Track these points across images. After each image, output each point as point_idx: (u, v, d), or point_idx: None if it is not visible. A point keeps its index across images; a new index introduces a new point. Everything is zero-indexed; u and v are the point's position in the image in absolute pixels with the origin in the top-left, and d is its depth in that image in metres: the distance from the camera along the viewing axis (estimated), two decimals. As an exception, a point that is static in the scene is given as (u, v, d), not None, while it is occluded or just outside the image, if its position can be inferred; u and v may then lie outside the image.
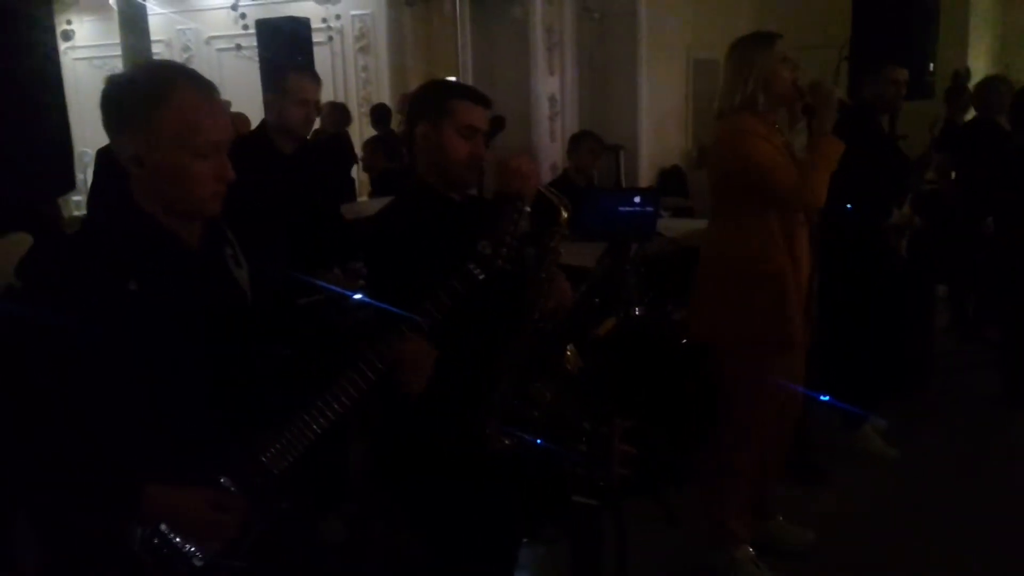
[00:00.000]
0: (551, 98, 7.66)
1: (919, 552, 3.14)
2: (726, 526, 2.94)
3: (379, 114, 7.62)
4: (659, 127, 8.31)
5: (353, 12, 9.64)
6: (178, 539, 1.49)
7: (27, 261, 1.65)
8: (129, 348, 1.47)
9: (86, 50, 10.54)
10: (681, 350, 3.77)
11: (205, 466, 1.55)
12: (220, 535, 1.54)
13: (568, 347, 2.11)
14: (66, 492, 1.48)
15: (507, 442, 2.00)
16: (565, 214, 2.08)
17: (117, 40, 9.20)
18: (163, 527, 1.49)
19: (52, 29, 3.34)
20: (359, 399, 1.66)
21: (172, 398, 1.53)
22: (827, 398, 3.53)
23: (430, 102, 2.16)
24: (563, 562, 2.21)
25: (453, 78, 8.29)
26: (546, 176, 7.30)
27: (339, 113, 7.35)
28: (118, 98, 1.55)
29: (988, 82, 5.50)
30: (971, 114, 5.65)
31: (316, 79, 3.33)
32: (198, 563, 1.51)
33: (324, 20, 9.42)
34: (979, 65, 8.52)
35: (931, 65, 5.37)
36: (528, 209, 2.00)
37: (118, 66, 9.47)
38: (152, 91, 1.52)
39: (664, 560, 3.07)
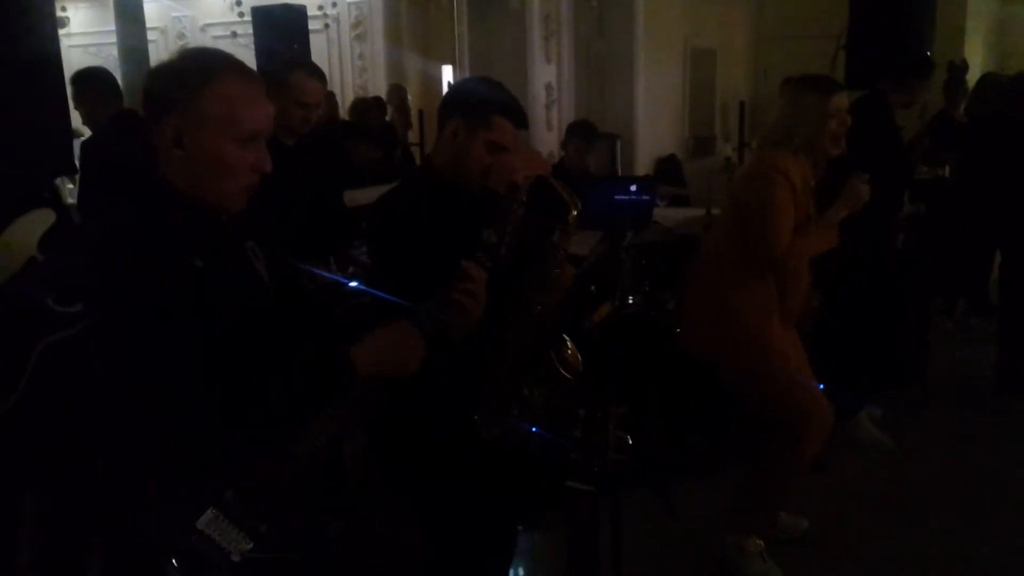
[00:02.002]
0: (548, 87, 7.65)
1: (914, 540, 3.16)
2: (751, 519, 2.95)
3: (357, 109, 7.53)
4: (656, 116, 8.32)
5: (350, 0, 9.62)
6: (216, 536, 1.49)
7: (87, 253, 1.63)
8: (200, 326, 1.46)
9: (81, 37, 10.50)
10: (674, 340, 3.77)
11: (238, 454, 1.54)
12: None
13: (568, 345, 2.11)
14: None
15: (496, 431, 2.00)
16: (575, 212, 2.07)
17: (112, 27, 9.17)
18: (200, 524, 1.49)
19: (52, 10, 3.32)
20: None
21: (229, 381, 1.50)
22: (822, 387, 3.54)
23: (474, 105, 2.12)
24: (560, 550, 2.22)
25: (449, 67, 8.27)
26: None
27: (329, 103, 7.33)
28: (164, 79, 1.55)
29: (991, 79, 5.53)
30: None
31: (323, 80, 3.17)
32: (236, 559, 1.51)
33: (320, 8, 9.38)
34: (975, 56, 8.52)
35: (928, 54, 5.36)
36: (524, 199, 2.00)
37: (113, 53, 9.43)
38: (198, 73, 1.53)
39: (661, 550, 3.08)
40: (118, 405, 1.49)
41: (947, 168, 5.37)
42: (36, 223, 2.22)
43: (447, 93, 2.28)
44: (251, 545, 1.53)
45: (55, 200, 2.41)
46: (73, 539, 2.54)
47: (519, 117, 2.15)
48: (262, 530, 1.54)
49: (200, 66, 1.55)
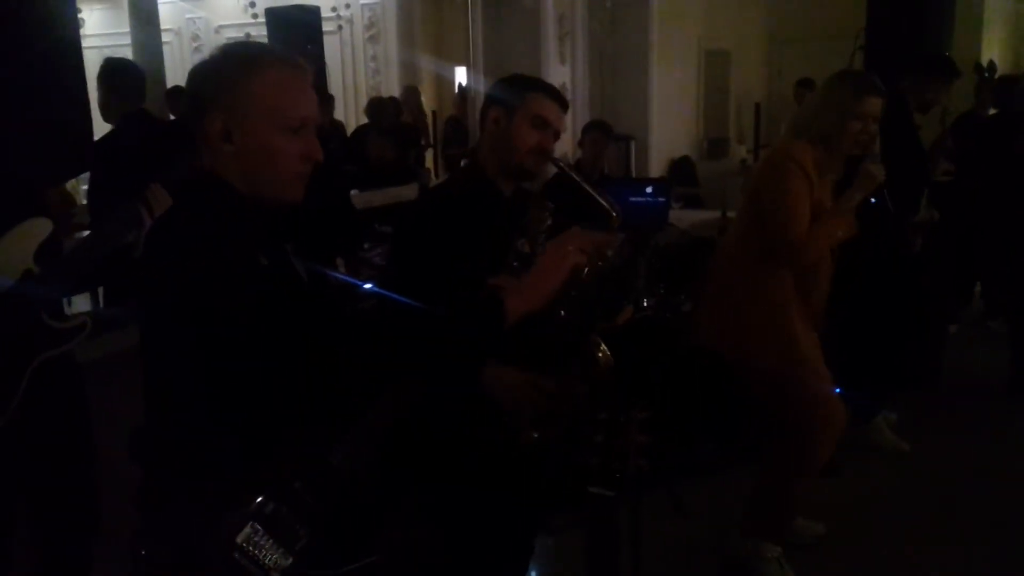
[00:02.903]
0: (562, 87, 7.62)
1: (929, 545, 3.13)
2: (767, 523, 2.93)
3: (373, 108, 7.56)
4: (670, 118, 8.30)
5: (363, 1, 9.64)
6: (257, 551, 1.47)
7: (156, 240, 1.60)
8: (267, 323, 1.43)
9: (96, 39, 10.56)
10: (689, 342, 3.76)
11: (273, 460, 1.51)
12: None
13: (601, 345, 2.10)
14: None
15: (536, 435, 2.00)
16: (615, 217, 2.06)
17: (127, 29, 9.21)
18: (240, 539, 1.44)
19: (74, 7, 3.29)
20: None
21: (281, 386, 1.49)
22: (838, 391, 3.52)
23: (508, 88, 2.20)
24: (574, 552, 2.21)
25: (462, 68, 8.27)
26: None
27: (326, 105, 7.39)
28: (206, 75, 1.53)
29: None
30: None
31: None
32: (285, 562, 1.49)
33: (334, 9, 9.41)
34: (992, 55, 8.46)
35: (946, 55, 5.33)
36: (552, 206, 2.02)
37: (127, 55, 9.49)
38: (243, 64, 1.51)
39: (676, 552, 3.07)
40: (175, 408, 1.47)
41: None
42: (32, 234, 2.18)
43: (487, 91, 2.35)
44: (290, 561, 1.50)
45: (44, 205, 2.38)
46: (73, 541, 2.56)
47: (554, 92, 2.20)
48: (301, 546, 1.51)
49: (243, 58, 1.53)
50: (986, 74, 5.31)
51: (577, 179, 2.08)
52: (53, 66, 2.81)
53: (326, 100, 7.36)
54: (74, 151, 2.93)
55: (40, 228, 2.20)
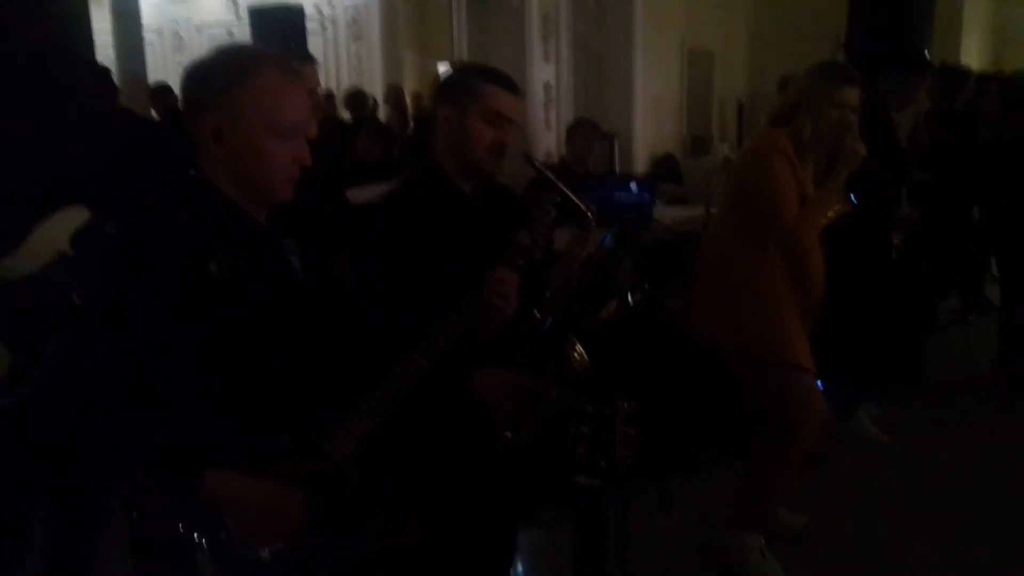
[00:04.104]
0: (546, 85, 7.66)
1: (911, 536, 3.17)
2: (750, 515, 2.96)
3: (356, 100, 7.57)
4: (654, 115, 8.33)
5: (347, 1, 9.62)
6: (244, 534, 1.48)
7: (110, 241, 1.62)
8: (207, 332, 1.46)
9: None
10: (675, 338, 3.79)
11: (269, 453, 1.53)
12: (280, 529, 1.52)
13: (576, 346, 2.11)
14: (136, 470, 1.47)
15: (509, 435, 2.01)
16: (592, 216, 2.07)
17: (109, 26, 9.16)
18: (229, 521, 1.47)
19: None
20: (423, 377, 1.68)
21: (242, 382, 1.51)
22: (821, 384, 3.56)
23: (458, 84, 2.07)
24: (564, 546, 2.23)
25: (446, 66, 8.27)
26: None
27: (328, 103, 7.38)
28: (201, 75, 1.55)
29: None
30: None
31: (314, 62, 3.10)
32: (266, 557, 1.50)
33: (317, 7, 9.39)
34: (971, 58, 8.56)
35: (923, 54, 5.40)
36: (558, 200, 2.00)
37: (109, 53, 9.42)
38: (238, 66, 1.53)
39: (664, 545, 3.09)
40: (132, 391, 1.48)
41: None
42: (69, 220, 2.20)
43: (437, 86, 2.26)
44: (281, 545, 1.51)
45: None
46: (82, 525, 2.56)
47: (506, 81, 2.06)
48: (286, 539, 1.53)
49: (239, 61, 1.55)
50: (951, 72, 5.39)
51: (550, 177, 2.05)
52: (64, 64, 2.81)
53: (328, 98, 7.37)
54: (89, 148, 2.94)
55: (76, 215, 2.22)
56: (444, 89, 2.12)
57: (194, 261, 1.48)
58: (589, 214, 2.06)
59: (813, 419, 2.83)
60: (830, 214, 2.72)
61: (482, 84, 2.02)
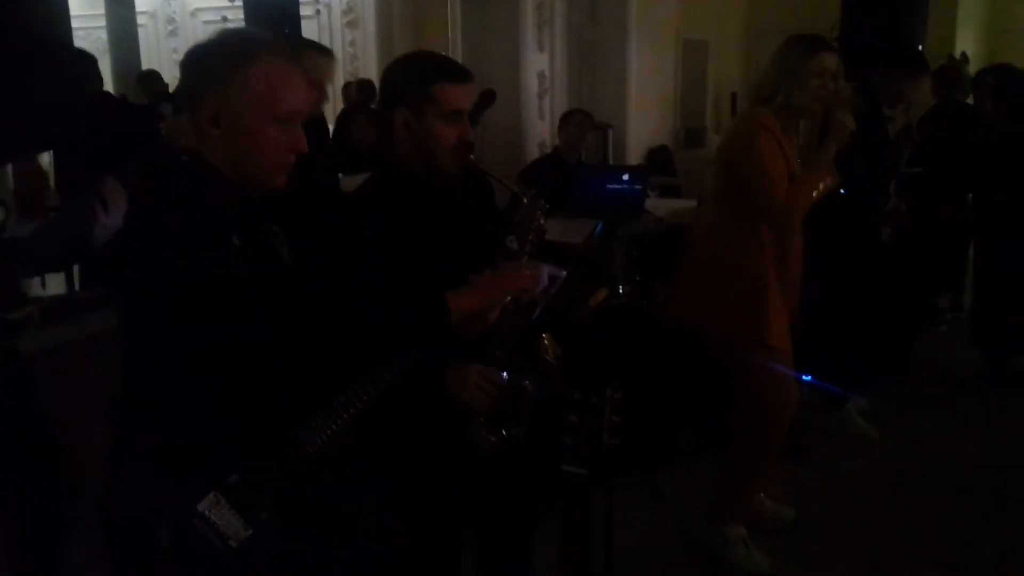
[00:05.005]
0: (540, 75, 7.64)
1: (898, 530, 3.19)
2: (730, 506, 2.97)
3: (366, 89, 7.61)
4: (648, 106, 8.32)
5: (341, -13, 9.58)
6: (217, 520, 1.48)
7: (136, 222, 1.62)
8: (235, 305, 1.47)
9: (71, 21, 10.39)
10: (667, 329, 3.79)
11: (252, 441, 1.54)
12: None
13: (544, 336, 2.11)
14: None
15: (493, 439, 2.01)
16: (527, 202, 2.06)
17: (102, 11, 9.11)
18: (201, 507, 1.48)
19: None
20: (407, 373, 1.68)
21: (253, 363, 1.52)
22: (809, 378, 3.57)
23: (409, 87, 1.97)
24: (550, 539, 2.23)
25: (418, 51, 8.25)
26: (534, 154, 7.31)
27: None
28: (201, 60, 1.56)
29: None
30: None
31: (331, 56, 2.97)
32: (234, 545, 1.51)
33: (312, -7, 9.34)
34: (966, 50, 8.56)
35: (920, 49, 5.40)
36: (548, 206, 2.01)
37: (102, 37, 9.37)
38: (238, 52, 1.54)
39: (650, 538, 3.11)
40: (149, 376, 1.49)
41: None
42: None
43: (380, 86, 2.15)
44: (250, 532, 1.52)
45: None
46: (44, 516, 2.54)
47: (457, 73, 1.99)
48: (263, 518, 1.53)
49: (240, 46, 1.55)
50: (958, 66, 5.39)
51: (482, 169, 2.06)
52: (42, 27, 2.76)
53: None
54: (66, 112, 2.87)
55: None
56: (396, 93, 2.01)
57: (221, 235, 1.49)
58: (525, 200, 2.03)
59: (783, 408, 2.84)
60: (821, 187, 2.72)
61: (434, 85, 1.94)
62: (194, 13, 10.28)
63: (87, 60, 4.09)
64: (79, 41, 9.66)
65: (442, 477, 2.02)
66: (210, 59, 1.55)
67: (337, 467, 1.68)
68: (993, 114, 4.79)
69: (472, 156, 2.08)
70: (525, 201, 2.03)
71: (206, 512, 1.48)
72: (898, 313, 4.65)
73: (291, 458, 1.57)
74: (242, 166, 1.57)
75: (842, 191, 2.90)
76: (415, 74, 1.99)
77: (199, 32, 9.88)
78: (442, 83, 1.94)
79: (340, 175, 5.43)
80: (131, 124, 4.32)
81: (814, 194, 2.70)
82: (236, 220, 1.54)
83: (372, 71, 9.08)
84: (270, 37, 1.62)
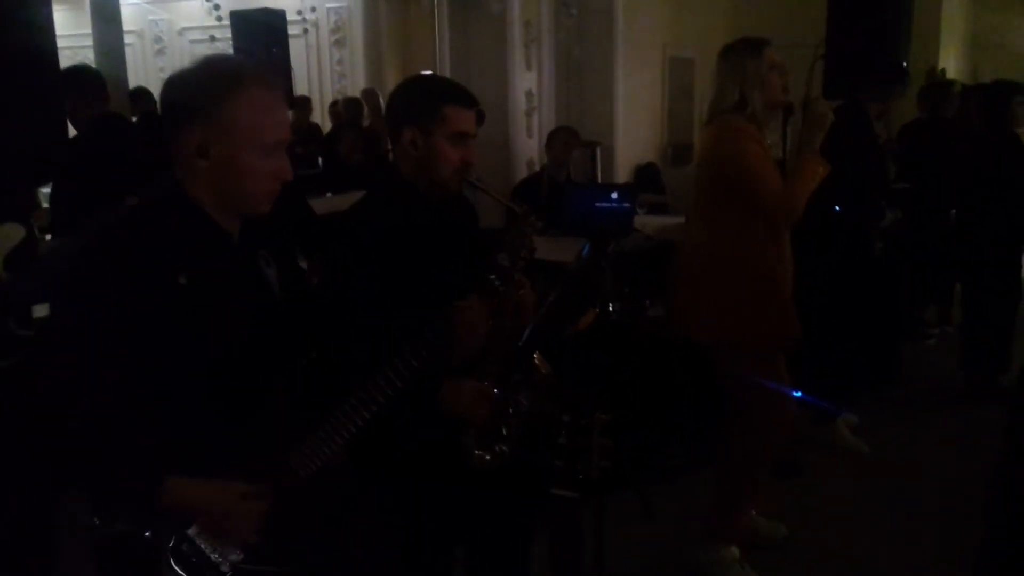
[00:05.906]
0: (528, 93, 7.65)
1: (889, 545, 3.19)
2: (723, 527, 2.95)
3: (355, 108, 7.63)
4: (635, 124, 8.35)
5: (329, 5, 9.58)
6: (205, 546, 1.47)
7: (76, 249, 1.60)
8: (172, 343, 1.46)
9: (57, 40, 10.35)
10: (657, 346, 3.79)
11: (232, 466, 1.52)
12: (247, 529, 1.51)
13: (535, 355, 2.11)
14: (96, 481, 1.48)
15: (488, 457, 2.00)
16: (526, 214, 2.07)
17: (88, 30, 9.07)
18: (191, 532, 1.46)
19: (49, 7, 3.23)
20: (394, 394, 1.68)
21: (207, 395, 1.51)
22: (799, 394, 3.57)
23: (419, 106, 2.03)
24: (540, 556, 2.22)
25: (428, 73, 8.27)
26: (522, 172, 7.31)
27: (303, 108, 7.42)
28: (187, 88, 1.54)
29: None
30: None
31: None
32: (226, 570, 1.49)
33: (299, 12, 9.34)
34: (948, 65, 8.64)
35: (904, 63, 5.44)
36: (539, 224, 2.02)
37: (89, 56, 9.33)
38: (225, 82, 1.52)
39: (640, 554, 3.09)
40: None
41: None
42: (3, 239, 2.14)
43: (388, 104, 2.20)
44: (241, 556, 1.50)
45: (24, 208, 2.33)
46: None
47: (466, 98, 2.05)
48: (253, 541, 1.51)
49: (226, 75, 1.53)
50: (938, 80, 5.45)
51: (483, 188, 2.07)
52: (29, 73, 2.74)
53: (303, 103, 7.37)
54: (51, 155, 2.85)
55: (12, 234, 2.16)
56: (405, 111, 2.06)
57: (164, 272, 1.47)
58: (519, 211, 2.04)
59: (780, 424, 2.84)
60: (819, 170, 2.74)
61: (444, 106, 2.00)
62: (181, 32, 10.27)
63: (92, 78, 4.03)
64: (66, 60, 9.64)
65: (434, 491, 2.01)
66: (194, 88, 1.53)
67: (329, 489, 1.67)
68: (982, 130, 4.82)
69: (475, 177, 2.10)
70: (516, 209, 2.04)
71: (196, 537, 1.47)
72: (888, 325, 4.67)
73: (282, 482, 1.56)
74: (228, 196, 1.56)
75: (837, 208, 2.92)
76: (426, 93, 2.07)
77: (186, 51, 9.87)
78: (452, 104, 2.01)
79: (328, 194, 5.44)
80: (142, 147, 4.27)
81: (811, 185, 2.73)
82: (194, 256, 1.52)
83: (359, 90, 9.08)
84: (254, 64, 1.60)
